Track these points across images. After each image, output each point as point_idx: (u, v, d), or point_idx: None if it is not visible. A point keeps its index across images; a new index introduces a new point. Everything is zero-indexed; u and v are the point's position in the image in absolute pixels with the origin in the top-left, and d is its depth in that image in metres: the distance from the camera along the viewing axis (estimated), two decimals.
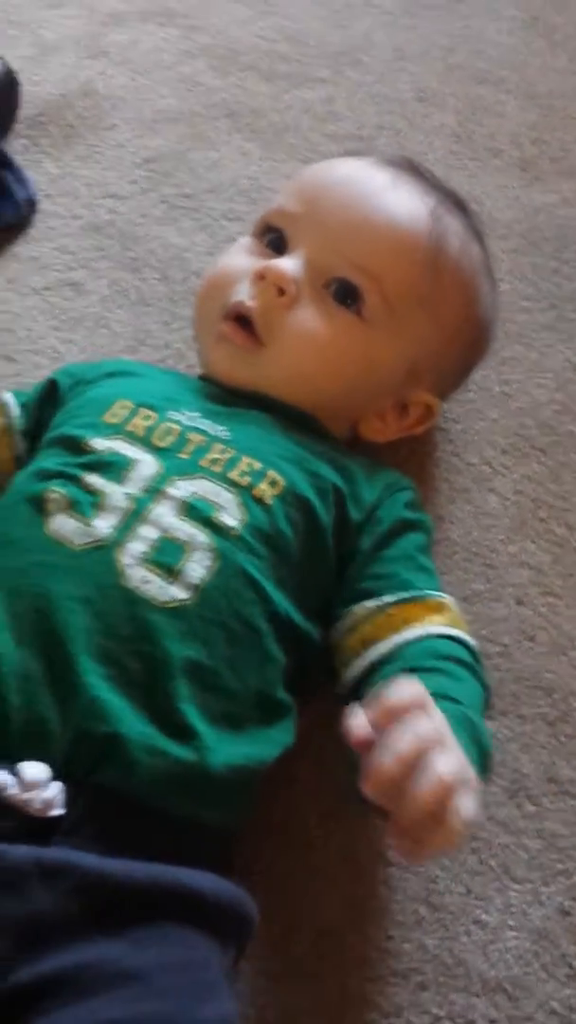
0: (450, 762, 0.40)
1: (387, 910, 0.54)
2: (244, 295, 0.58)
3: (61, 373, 0.63)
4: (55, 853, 0.43)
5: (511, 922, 0.54)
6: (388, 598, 0.53)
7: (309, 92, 0.92)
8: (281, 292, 0.57)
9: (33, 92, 0.89)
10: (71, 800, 0.44)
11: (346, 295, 0.57)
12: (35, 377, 0.72)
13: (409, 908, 0.54)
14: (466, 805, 0.39)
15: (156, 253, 0.80)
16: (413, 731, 0.39)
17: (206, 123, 0.89)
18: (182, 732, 0.46)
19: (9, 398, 0.62)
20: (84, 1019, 0.40)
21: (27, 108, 0.88)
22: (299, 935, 0.53)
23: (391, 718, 0.40)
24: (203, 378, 0.62)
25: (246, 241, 0.63)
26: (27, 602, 0.48)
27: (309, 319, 0.57)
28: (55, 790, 0.44)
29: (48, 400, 0.61)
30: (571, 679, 0.61)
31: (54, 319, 0.76)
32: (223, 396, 0.58)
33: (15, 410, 0.62)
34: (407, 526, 0.56)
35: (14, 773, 0.44)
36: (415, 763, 0.39)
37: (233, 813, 0.49)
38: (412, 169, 0.62)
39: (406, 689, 0.41)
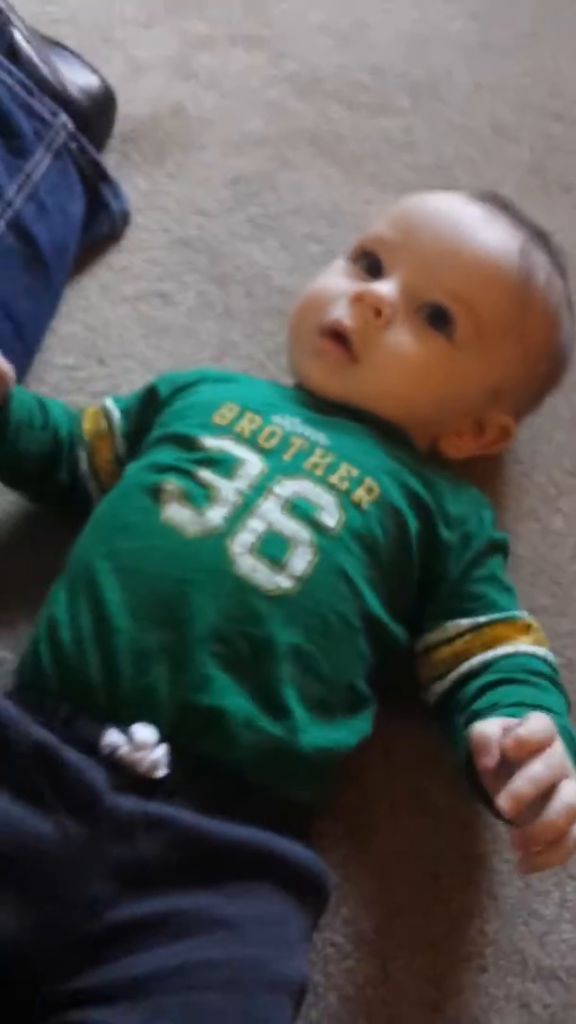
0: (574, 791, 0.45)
1: (451, 899, 0.58)
2: (342, 314, 0.63)
3: (160, 381, 0.68)
4: (159, 808, 0.48)
5: (567, 915, 0.58)
6: (481, 618, 0.58)
7: (388, 121, 0.97)
8: (378, 313, 0.62)
9: (125, 109, 0.94)
10: (173, 764, 0.49)
11: (438, 319, 0.63)
12: (125, 380, 0.78)
13: (472, 898, 0.58)
14: None
15: (241, 269, 0.85)
16: (547, 763, 0.46)
17: (290, 147, 0.94)
18: (279, 711, 0.51)
19: (111, 404, 0.68)
20: (179, 956, 0.45)
21: (120, 124, 0.93)
22: (368, 913, 0.57)
23: (526, 751, 0.46)
24: (297, 387, 0.67)
25: (341, 264, 0.68)
26: (144, 582, 0.53)
27: (403, 340, 0.62)
28: (161, 752, 0.49)
29: (149, 405, 0.66)
30: None
31: (143, 327, 0.81)
32: (318, 405, 0.63)
33: (116, 415, 0.67)
34: (494, 547, 0.61)
35: (126, 734, 0.49)
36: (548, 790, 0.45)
37: (314, 792, 0.53)
38: (502, 205, 0.67)
39: (539, 723, 0.47)
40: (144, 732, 0.49)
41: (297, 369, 0.68)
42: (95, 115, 0.90)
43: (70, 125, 0.83)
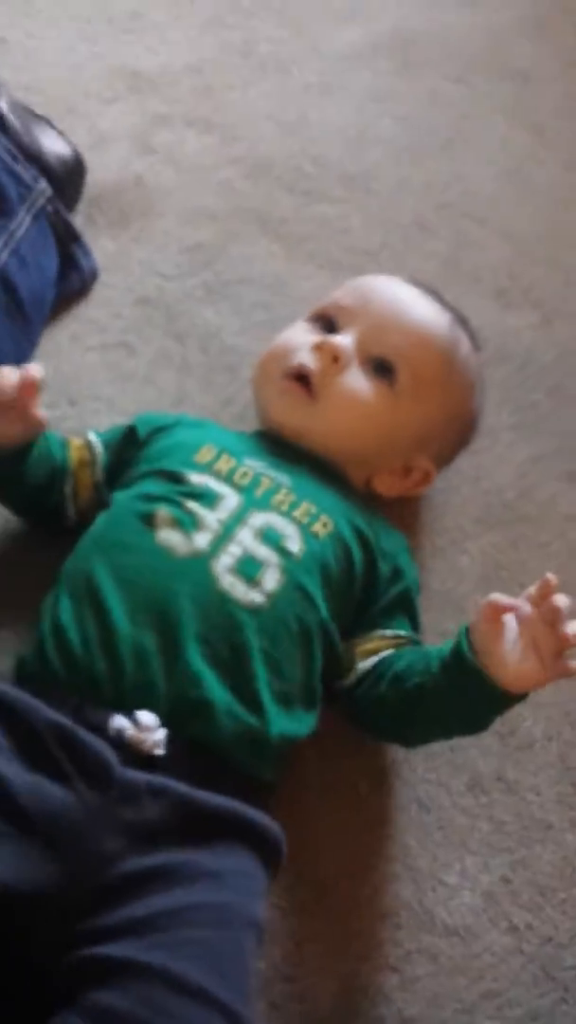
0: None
1: (373, 869, 0.71)
2: (305, 359, 0.78)
3: (139, 422, 0.81)
4: (160, 779, 0.60)
5: (467, 884, 0.72)
6: (399, 632, 0.74)
7: (326, 208, 1.14)
8: (335, 360, 0.77)
9: (91, 177, 1.08)
10: (169, 745, 0.61)
11: (383, 371, 0.79)
12: (94, 419, 0.90)
13: (390, 869, 0.72)
14: None
15: (196, 327, 0.99)
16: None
17: (240, 223, 1.09)
18: (254, 704, 0.65)
19: (94, 438, 0.80)
20: (177, 900, 0.57)
21: (87, 190, 1.07)
22: (303, 882, 0.70)
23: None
24: (257, 435, 0.81)
25: (301, 324, 0.84)
26: (141, 593, 0.66)
27: (355, 383, 0.78)
28: (162, 735, 0.61)
29: (128, 443, 0.80)
30: (519, 706, 0.81)
31: (109, 373, 0.94)
32: (277, 452, 0.78)
33: (100, 449, 0.80)
34: (413, 590, 0.78)
35: (130, 719, 0.61)
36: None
37: (274, 772, 0.66)
38: (433, 292, 0.85)
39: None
40: (148, 717, 0.61)
41: (262, 407, 0.82)
42: (67, 181, 1.03)
43: (48, 190, 0.96)
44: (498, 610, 0.63)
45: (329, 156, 1.19)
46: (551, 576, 0.63)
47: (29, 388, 0.69)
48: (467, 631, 0.66)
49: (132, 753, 0.60)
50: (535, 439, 0.99)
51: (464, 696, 0.66)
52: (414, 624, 0.76)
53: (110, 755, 0.60)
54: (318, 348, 0.78)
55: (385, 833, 0.73)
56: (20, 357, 0.89)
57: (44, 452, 0.75)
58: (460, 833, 0.74)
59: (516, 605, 0.63)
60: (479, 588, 0.87)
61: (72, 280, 0.98)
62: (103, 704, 0.62)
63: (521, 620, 0.63)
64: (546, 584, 0.63)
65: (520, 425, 0.99)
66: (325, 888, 0.70)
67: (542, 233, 1.18)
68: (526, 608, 0.63)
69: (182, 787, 0.60)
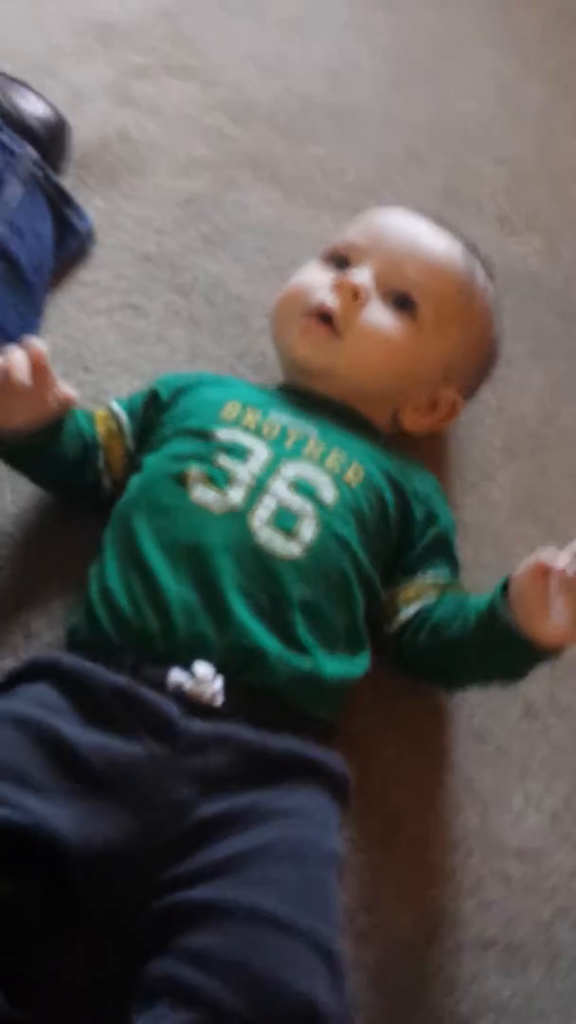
0: None
1: (439, 799, 0.73)
2: (326, 298, 0.78)
3: (160, 384, 0.82)
4: (222, 727, 0.62)
5: (530, 807, 0.75)
6: (439, 578, 0.75)
7: (319, 147, 1.13)
8: (355, 296, 0.78)
9: (75, 136, 1.06)
10: (227, 694, 0.62)
11: (404, 304, 0.79)
12: (111, 384, 0.90)
13: (455, 798, 0.74)
14: None
15: (200, 280, 0.99)
16: None
17: (233, 170, 1.08)
18: (302, 650, 0.66)
19: (117, 407, 0.80)
20: (254, 840, 0.59)
21: (72, 151, 1.05)
22: (373, 815, 0.72)
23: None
24: (279, 389, 0.82)
25: (314, 264, 0.84)
26: (182, 551, 0.67)
27: (378, 317, 0.78)
28: (219, 685, 0.62)
29: (151, 406, 0.80)
30: None
31: (119, 335, 0.94)
32: (299, 403, 0.79)
33: (124, 417, 0.80)
34: (450, 532, 0.78)
35: (187, 672, 0.62)
36: None
37: (333, 713, 0.68)
38: (441, 222, 0.86)
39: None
40: (204, 669, 0.63)
41: (285, 349, 0.82)
42: (52, 144, 1.02)
43: (35, 156, 0.95)
44: (544, 571, 0.63)
45: (315, 94, 1.18)
46: None
47: (39, 367, 0.69)
48: (504, 585, 0.66)
49: (192, 705, 0.62)
50: (551, 364, 1.00)
51: (500, 651, 0.67)
52: (452, 566, 0.77)
53: (172, 709, 0.62)
54: (337, 286, 0.78)
55: (447, 765, 0.75)
56: (26, 328, 0.89)
57: (74, 429, 0.75)
58: (520, 759, 0.77)
59: (563, 567, 0.62)
60: (513, 518, 0.88)
61: (69, 244, 0.97)
62: (158, 661, 0.63)
63: (563, 580, 0.62)
64: None
65: (535, 352, 1.00)
66: (395, 821, 0.72)
67: (538, 156, 1.18)
68: (573, 568, 0.62)
69: (245, 733, 0.62)
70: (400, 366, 0.79)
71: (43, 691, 0.63)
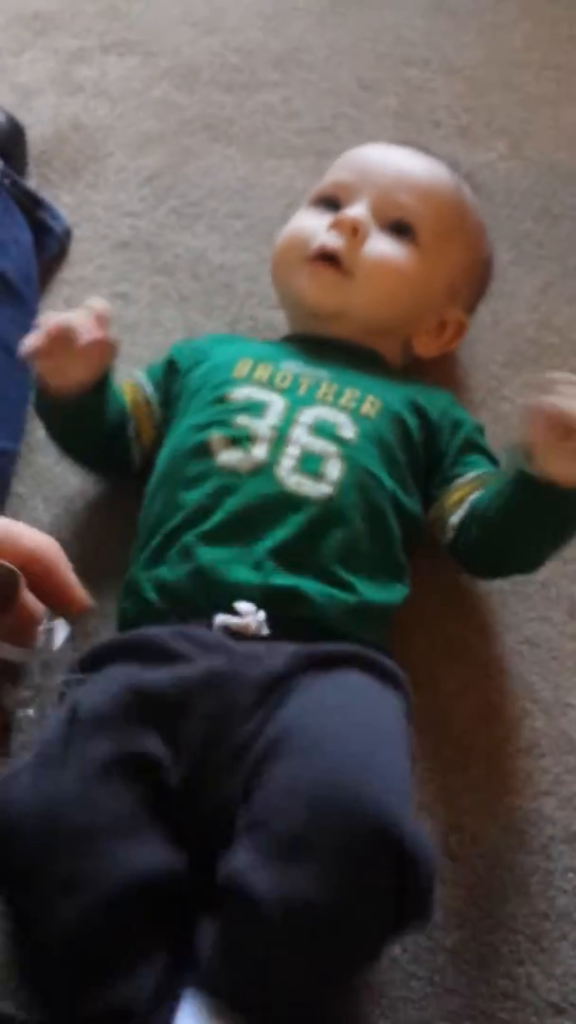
0: None
1: (504, 710, 0.76)
2: (326, 239, 0.79)
3: (176, 352, 0.83)
4: (272, 644, 0.64)
5: None
6: (476, 472, 0.76)
7: (267, 96, 1.12)
8: (355, 232, 0.79)
9: (29, 133, 1.06)
10: (273, 626, 0.65)
11: (402, 231, 0.80)
12: (115, 377, 0.91)
13: (519, 705, 0.76)
14: None
15: (181, 256, 0.99)
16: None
17: (188, 137, 1.08)
18: (342, 583, 0.68)
19: (143, 379, 0.82)
20: (309, 699, 0.61)
21: (29, 149, 1.05)
22: (443, 740, 0.75)
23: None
24: (285, 340, 0.84)
25: (305, 210, 0.84)
26: (217, 516, 0.69)
27: (382, 248, 0.79)
28: (261, 616, 0.65)
29: (171, 375, 0.82)
30: None
31: (115, 327, 0.93)
32: (307, 350, 0.80)
33: (150, 389, 0.82)
34: (477, 429, 0.80)
35: (232, 612, 0.65)
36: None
37: (377, 636, 0.70)
38: (417, 146, 0.87)
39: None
40: (245, 605, 0.66)
41: (294, 297, 0.83)
42: (11, 147, 1.02)
43: (0, 165, 0.95)
44: (538, 415, 0.65)
45: (253, 42, 1.16)
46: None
47: (103, 322, 0.72)
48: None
49: (240, 636, 0.65)
50: (537, 268, 1.00)
51: (544, 509, 0.68)
52: (490, 459, 0.79)
53: (221, 636, 0.64)
54: (336, 225, 0.79)
55: (505, 676, 0.78)
56: None
57: (116, 390, 0.77)
58: (572, 657, 0.79)
59: (555, 405, 0.64)
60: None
61: (49, 246, 0.98)
62: (203, 613, 0.66)
63: (557, 417, 0.64)
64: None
65: (520, 259, 1.00)
66: (465, 741, 0.75)
67: (484, 59, 1.16)
68: (563, 403, 0.64)
69: (294, 645, 0.64)
70: (411, 293, 0.80)
71: (111, 669, 0.65)
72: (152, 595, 0.69)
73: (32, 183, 1.03)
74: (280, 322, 0.92)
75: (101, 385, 0.74)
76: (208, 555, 0.68)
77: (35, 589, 0.40)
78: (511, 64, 1.16)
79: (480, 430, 0.81)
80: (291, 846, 0.53)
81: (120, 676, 0.63)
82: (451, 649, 0.79)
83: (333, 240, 0.79)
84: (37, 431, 0.86)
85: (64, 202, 1.03)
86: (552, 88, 1.14)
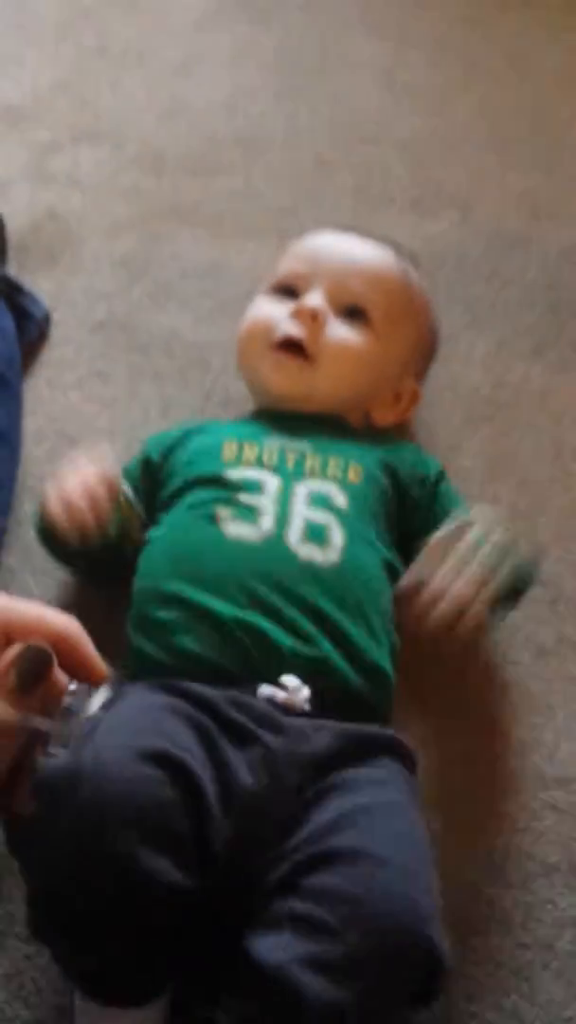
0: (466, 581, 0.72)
1: (481, 749, 0.80)
2: (288, 328, 0.84)
3: (150, 448, 0.87)
4: (316, 721, 0.69)
5: (562, 735, 0.81)
6: (450, 522, 0.80)
7: (230, 178, 1.18)
8: (314, 318, 0.84)
9: (7, 223, 1.12)
10: (310, 699, 0.70)
11: (356, 315, 0.86)
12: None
13: (495, 745, 0.80)
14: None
15: (154, 335, 1.05)
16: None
17: (158, 222, 1.14)
18: (362, 646, 0.73)
19: (124, 483, 0.84)
20: (356, 802, 0.65)
21: (8, 237, 1.11)
22: (427, 782, 0.79)
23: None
24: (255, 416, 0.89)
25: (263, 299, 0.90)
26: (232, 583, 0.73)
27: (342, 334, 0.85)
28: (307, 692, 0.69)
29: (147, 472, 0.86)
30: (557, 571, 0.89)
31: (94, 404, 1.00)
32: (280, 424, 0.85)
33: (130, 493, 0.84)
34: (439, 477, 0.86)
35: (278, 686, 0.69)
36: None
37: (389, 698, 0.75)
38: (361, 231, 0.92)
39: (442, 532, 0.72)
40: (292, 680, 0.70)
41: (260, 384, 0.88)
42: None
43: None
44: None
45: (215, 127, 1.23)
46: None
47: (115, 492, 0.78)
48: None
49: (285, 712, 0.68)
50: (489, 329, 1.06)
51: None
52: (452, 501, 0.84)
53: (273, 709, 0.68)
54: (297, 314, 0.84)
55: (479, 717, 0.82)
56: (12, 423, 0.95)
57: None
58: (542, 697, 0.83)
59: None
60: (486, 482, 0.95)
61: (30, 331, 1.03)
62: (242, 682, 0.69)
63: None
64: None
65: (473, 322, 1.06)
66: (444, 780, 0.79)
67: (431, 132, 1.23)
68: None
69: (334, 722, 0.69)
70: (370, 372, 0.86)
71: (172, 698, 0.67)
72: (176, 663, 0.71)
73: (12, 270, 1.09)
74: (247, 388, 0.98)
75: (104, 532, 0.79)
76: (240, 623, 0.71)
77: (61, 664, 0.44)
78: (457, 136, 1.23)
79: (442, 474, 0.87)
80: (342, 964, 0.57)
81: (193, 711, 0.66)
82: (425, 692, 0.83)
83: (295, 329, 0.84)
84: (24, 505, 0.90)
85: (43, 287, 1.08)
86: (497, 157, 1.21)
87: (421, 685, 0.83)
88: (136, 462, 0.87)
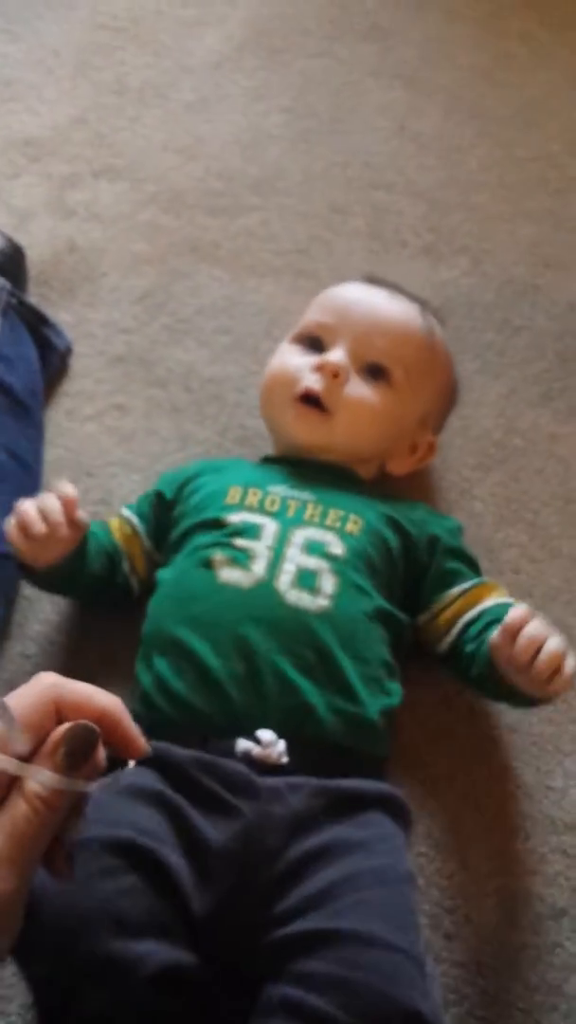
0: (557, 641, 0.71)
1: (489, 794, 0.81)
2: (310, 382, 0.86)
3: (163, 484, 0.89)
4: (292, 778, 0.69)
5: (571, 782, 0.82)
6: (465, 585, 0.82)
7: (247, 219, 1.19)
8: (336, 375, 0.85)
9: (27, 255, 1.12)
10: (288, 752, 0.70)
11: (378, 373, 0.87)
12: (113, 483, 0.97)
13: (503, 789, 0.81)
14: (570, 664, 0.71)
15: (173, 370, 1.06)
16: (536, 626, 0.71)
17: (176, 259, 1.15)
18: (349, 694, 0.73)
19: (128, 513, 0.88)
20: (341, 871, 0.65)
21: (28, 269, 1.12)
22: (436, 825, 0.79)
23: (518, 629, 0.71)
24: (266, 460, 0.90)
25: (287, 346, 0.91)
26: (223, 630, 0.74)
27: (361, 391, 0.86)
28: (282, 746, 0.69)
29: (159, 506, 0.88)
30: (566, 616, 0.90)
31: (112, 436, 1.01)
32: (290, 472, 0.86)
33: (136, 521, 0.87)
34: (455, 535, 0.86)
35: (252, 739, 0.69)
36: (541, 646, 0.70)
37: (384, 744, 0.75)
38: (390, 285, 0.93)
39: (519, 610, 0.71)
40: (267, 734, 0.70)
41: (281, 432, 0.90)
42: (12, 268, 1.08)
43: (7, 284, 1.01)
44: (514, 632, 0.71)
45: (232, 167, 1.25)
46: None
47: (71, 507, 0.76)
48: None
49: (261, 767, 0.69)
50: (501, 376, 1.07)
51: (509, 691, 0.75)
52: (469, 565, 0.85)
53: (245, 769, 0.69)
54: (319, 369, 0.86)
55: (490, 761, 0.83)
56: (36, 450, 0.96)
57: (97, 544, 0.82)
58: (552, 741, 0.84)
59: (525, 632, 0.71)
60: (498, 526, 0.96)
61: (52, 361, 1.04)
62: (223, 733, 0.70)
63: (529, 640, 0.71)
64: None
65: (484, 368, 1.08)
66: (455, 824, 0.80)
67: (445, 180, 1.25)
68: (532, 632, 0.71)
69: (314, 780, 0.69)
70: (386, 428, 0.88)
71: (142, 771, 0.69)
72: (168, 710, 0.73)
73: (32, 302, 1.09)
74: (266, 430, 0.98)
75: (80, 553, 0.79)
76: (224, 671, 0.72)
77: (104, 740, 0.47)
78: (469, 184, 1.25)
79: (456, 532, 0.87)
80: None
81: (158, 788, 0.68)
82: (438, 736, 0.84)
83: (316, 383, 0.86)
84: None
85: (62, 319, 1.09)
86: (508, 207, 1.23)
87: (431, 729, 0.84)
88: (148, 495, 0.89)
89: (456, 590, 0.82)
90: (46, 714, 0.46)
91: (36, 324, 1.03)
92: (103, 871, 0.63)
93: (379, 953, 0.62)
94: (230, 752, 0.70)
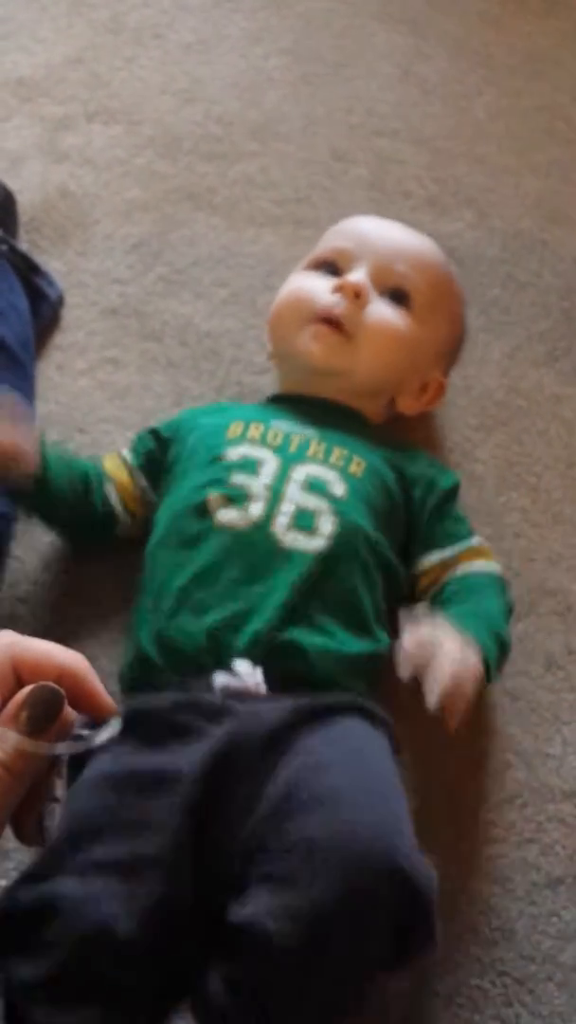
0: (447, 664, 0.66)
1: (488, 760, 0.78)
2: (329, 302, 0.81)
3: (160, 426, 0.86)
4: (270, 700, 0.66)
5: (569, 750, 0.79)
6: (450, 551, 0.79)
7: (246, 165, 1.13)
8: (357, 296, 0.81)
9: (18, 199, 1.07)
10: (268, 682, 0.67)
11: (399, 297, 0.83)
12: (106, 439, 0.93)
13: (502, 757, 0.79)
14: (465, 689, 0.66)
15: (169, 323, 1.01)
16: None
17: (172, 206, 1.09)
18: (335, 636, 0.70)
19: (123, 451, 0.85)
20: (306, 760, 0.62)
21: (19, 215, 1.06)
22: (432, 791, 0.76)
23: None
24: (272, 401, 0.86)
25: (303, 273, 0.87)
26: (218, 574, 0.71)
27: (383, 312, 0.82)
28: (259, 675, 0.67)
29: (154, 442, 0.84)
30: (568, 581, 0.87)
31: (105, 392, 0.96)
32: (294, 410, 0.82)
33: (128, 454, 0.84)
34: (452, 492, 0.82)
35: (229, 672, 0.67)
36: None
37: (371, 685, 0.72)
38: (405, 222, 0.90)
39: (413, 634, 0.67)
40: (243, 665, 0.67)
41: (295, 355, 0.84)
42: (4, 215, 1.03)
43: None
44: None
45: (231, 112, 1.18)
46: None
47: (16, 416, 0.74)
48: None
49: (240, 696, 0.66)
50: (505, 334, 1.03)
51: None
52: (458, 519, 0.81)
53: (223, 700, 0.66)
54: (339, 289, 0.81)
55: (488, 729, 0.80)
56: (29, 404, 0.91)
57: (64, 462, 0.79)
58: (551, 709, 0.81)
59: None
60: (499, 490, 0.92)
61: (43, 311, 0.99)
62: (203, 671, 0.67)
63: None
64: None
65: (488, 325, 1.03)
66: (453, 792, 0.77)
67: (451, 129, 1.19)
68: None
69: (291, 699, 0.66)
70: (406, 356, 0.83)
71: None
72: (154, 654, 0.70)
73: (23, 249, 1.04)
74: (265, 387, 0.94)
75: (42, 466, 0.76)
76: (213, 615, 0.69)
77: (69, 699, 0.44)
78: (476, 135, 1.19)
79: (454, 489, 0.83)
80: (312, 911, 0.55)
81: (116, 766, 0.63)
82: None
83: (336, 303, 0.81)
84: None
85: (53, 267, 1.03)
86: (514, 159, 1.17)
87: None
88: (144, 432, 0.85)
89: (448, 552, 0.79)
90: (3, 674, 0.44)
91: (27, 273, 0.97)
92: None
93: (356, 815, 0.58)
94: (208, 687, 0.67)
